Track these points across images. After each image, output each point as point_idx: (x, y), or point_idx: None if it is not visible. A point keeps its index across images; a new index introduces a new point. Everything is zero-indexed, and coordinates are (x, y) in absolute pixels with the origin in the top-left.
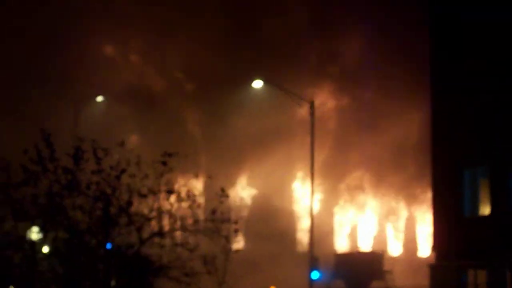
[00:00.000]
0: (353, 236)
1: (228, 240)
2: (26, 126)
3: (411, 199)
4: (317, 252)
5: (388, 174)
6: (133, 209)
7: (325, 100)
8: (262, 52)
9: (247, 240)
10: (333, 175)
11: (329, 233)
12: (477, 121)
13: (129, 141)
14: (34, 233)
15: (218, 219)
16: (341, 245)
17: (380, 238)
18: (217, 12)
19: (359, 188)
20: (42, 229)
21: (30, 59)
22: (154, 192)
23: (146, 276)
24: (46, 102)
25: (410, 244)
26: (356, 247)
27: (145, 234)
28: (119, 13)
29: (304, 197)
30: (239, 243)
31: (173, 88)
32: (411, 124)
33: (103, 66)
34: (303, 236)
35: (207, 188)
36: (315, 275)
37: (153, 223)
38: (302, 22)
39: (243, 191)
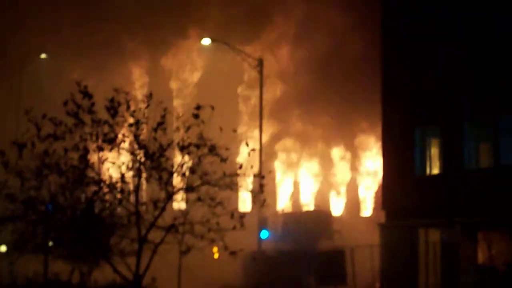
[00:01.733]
0: (294, 195)
1: (256, 195)
2: None
3: (353, 157)
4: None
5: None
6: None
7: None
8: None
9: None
10: (275, 133)
11: (271, 191)
12: (428, 80)
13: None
14: None
15: (244, 173)
16: (284, 204)
17: (322, 197)
18: None
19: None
20: (72, 184)
21: None
22: (184, 146)
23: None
24: None
25: (352, 202)
26: (299, 205)
27: (171, 189)
28: None
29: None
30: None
31: (115, 43)
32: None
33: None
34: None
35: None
36: (264, 234)
37: (179, 177)
38: None
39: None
